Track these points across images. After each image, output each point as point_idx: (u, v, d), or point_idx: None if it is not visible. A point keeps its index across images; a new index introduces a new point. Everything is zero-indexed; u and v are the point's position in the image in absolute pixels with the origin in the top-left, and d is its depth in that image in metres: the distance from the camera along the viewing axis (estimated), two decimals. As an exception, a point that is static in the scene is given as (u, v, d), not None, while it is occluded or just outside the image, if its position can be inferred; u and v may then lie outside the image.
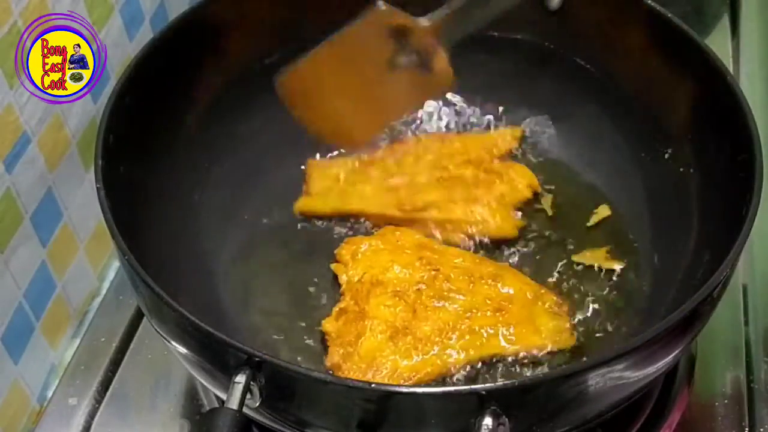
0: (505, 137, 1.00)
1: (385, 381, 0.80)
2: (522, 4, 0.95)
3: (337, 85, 0.89)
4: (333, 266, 0.91)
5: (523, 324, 0.84)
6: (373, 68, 0.88)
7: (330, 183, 0.97)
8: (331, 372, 0.82)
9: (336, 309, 0.86)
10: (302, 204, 0.96)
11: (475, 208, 0.93)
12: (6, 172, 0.80)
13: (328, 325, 0.85)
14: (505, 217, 0.93)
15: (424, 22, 0.84)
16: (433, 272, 0.87)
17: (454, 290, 0.86)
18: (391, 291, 0.86)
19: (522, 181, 0.96)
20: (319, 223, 0.95)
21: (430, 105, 1.03)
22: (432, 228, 0.93)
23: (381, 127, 0.97)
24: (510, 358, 0.83)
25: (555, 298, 0.87)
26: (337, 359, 0.83)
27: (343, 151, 1.00)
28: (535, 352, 0.83)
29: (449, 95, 1.03)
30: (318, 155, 1.00)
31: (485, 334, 0.83)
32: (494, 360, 0.83)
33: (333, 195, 0.96)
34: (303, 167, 0.99)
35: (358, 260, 0.89)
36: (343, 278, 0.89)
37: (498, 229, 0.92)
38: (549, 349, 0.84)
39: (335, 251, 0.91)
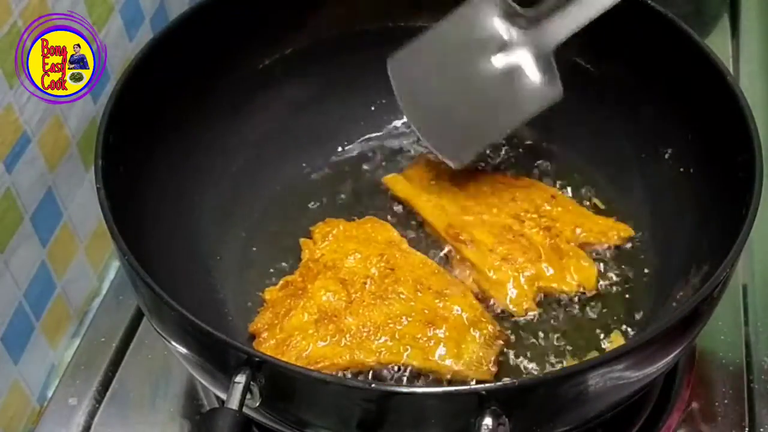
0: (610, 232, 0.91)
1: (293, 359, 0.80)
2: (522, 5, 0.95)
3: (441, 78, 0.89)
4: (301, 241, 0.91)
5: (449, 345, 0.81)
6: (478, 62, 0.87)
7: (426, 177, 0.96)
8: (251, 335, 0.83)
9: (283, 280, 0.87)
10: (392, 179, 0.97)
11: (503, 270, 0.87)
12: (6, 172, 0.80)
13: (269, 293, 0.86)
14: (521, 295, 0.86)
15: (529, 11, 0.86)
16: (387, 270, 0.86)
17: (397, 293, 0.84)
18: (339, 277, 0.86)
19: (576, 277, 0.88)
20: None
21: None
22: (456, 263, 0.90)
23: (480, 144, 0.93)
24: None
25: (492, 328, 0.83)
26: (260, 326, 0.84)
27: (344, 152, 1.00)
28: (448, 376, 0.81)
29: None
30: (318, 156, 1.00)
31: (407, 343, 0.81)
32: (407, 368, 0.81)
33: (416, 187, 0.95)
34: (304, 165, 0.99)
35: (326, 241, 0.90)
36: (305, 253, 0.89)
37: (511, 301, 0.86)
38: (465, 377, 0.80)
39: (311, 228, 0.92)
